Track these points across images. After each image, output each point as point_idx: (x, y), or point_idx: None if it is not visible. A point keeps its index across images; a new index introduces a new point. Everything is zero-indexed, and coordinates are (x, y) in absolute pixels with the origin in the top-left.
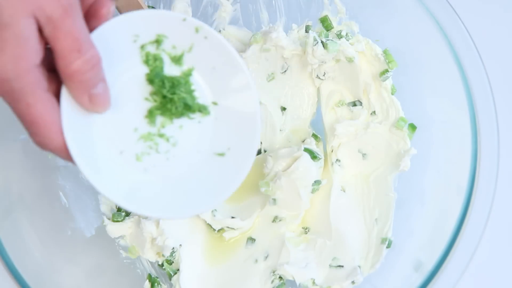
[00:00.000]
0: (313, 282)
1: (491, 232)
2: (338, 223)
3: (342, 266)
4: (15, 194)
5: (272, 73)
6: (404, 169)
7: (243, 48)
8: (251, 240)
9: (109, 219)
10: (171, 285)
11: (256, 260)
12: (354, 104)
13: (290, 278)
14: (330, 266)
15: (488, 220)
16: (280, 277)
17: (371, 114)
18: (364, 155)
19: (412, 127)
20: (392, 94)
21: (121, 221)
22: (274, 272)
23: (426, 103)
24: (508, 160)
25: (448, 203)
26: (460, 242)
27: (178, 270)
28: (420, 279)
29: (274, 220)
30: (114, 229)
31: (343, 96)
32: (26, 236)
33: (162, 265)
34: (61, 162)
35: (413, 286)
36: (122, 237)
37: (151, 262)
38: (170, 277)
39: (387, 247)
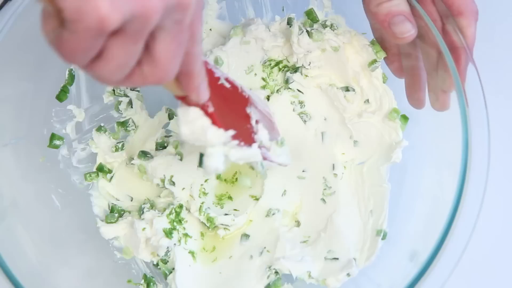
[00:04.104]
0: (309, 275)
1: (484, 221)
2: (333, 215)
3: (337, 259)
4: (8, 198)
5: (252, 65)
6: (396, 161)
7: (223, 41)
8: (246, 236)
9: (102, 220)
10: (166, 284)
11: (251, 256)
12: (347, 89)
13: (287, 272)
14: (326, 258)
15: (481, 209)
16: (276, 272)
17: (365, 102)
18: (355, 142)
19: (404, 118)
20: (383, 82)
21: (115, 222)
22: (270, 267)
23: None
24: (499, 150)
25: (442, 193)
26: (455, 231)
27: (173, 269)
28: (415, 268)
29: (267, 215)
30: (108, 231)
31: (332, 80)
32: (21, 240)
33: (157, 264)
34: (53, 165)
35: (408, 276)
36: (116, 238)
37: (146, 262)
38: (166, 276)
39: (382, 239)
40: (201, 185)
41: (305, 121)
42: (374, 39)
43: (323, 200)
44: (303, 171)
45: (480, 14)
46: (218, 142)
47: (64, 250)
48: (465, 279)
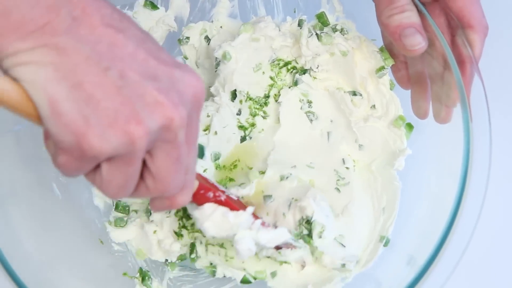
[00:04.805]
0: (321, 232)
1: (482, 229)
2: (348, 205)
3: (344, 247)
4: (7, 186)
5: (260, 63)
6: (398, 169)
7: (232, 38)
8: (268, 197)
9: (110, 224)
10: (162, 278)
11: (284, 214)
12: (354, 94)
13: (309, 214)
14: (335, 239)
15: (479, 217)
16: (308, 221)
17: (371, 107)
18: (360, 146)
19: (410, 126)
20: (391, 89)
21: (124, 226)
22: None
23: None
24: (500, 160)
25: (441, 200)
26: (453, 237)
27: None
28: (412, 273)
29: (281, 179)
30: (118, 235)
31: (340, 84)
32: (18, 228)
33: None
34: None
35: (405, 280)
36: (127, 241)
37: None
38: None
39: (384, 246)
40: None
41: (311, 120)
42: (383, 46)
43: (338, 189)
44: (310, 162)
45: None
46: (244, 224)
47: (61, 240)
48: (462, 284)
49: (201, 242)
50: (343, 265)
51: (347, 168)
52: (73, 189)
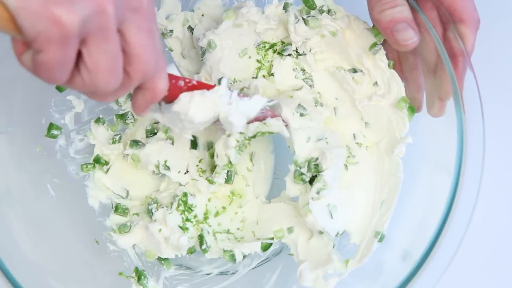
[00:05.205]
0: (323, 188)
1: (477, 223)
2: (354, 183)
3: (332, 218)
4: (1, 187)
5: (246, 48)
6: (399, 155)
7: (215, 25)
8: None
9: (115, 232)
10: (158, 277)
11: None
12: (355, 71)
13: (323, 166)
14: (328, 205)
15: (474, 211)
16: (316, 166)
17: (374, 85)
18: (366, 123)
19: (412, 109)
20: (390, 67)
21: (129, 231)
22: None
23: None
24: (493, 153)
25: (436, 194)
26: (447, 231)
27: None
28: (408, 268)
29: None
30: (125, 241)
31: (338, 62)
32: (13, 229)
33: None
34: (50, 155)
35: (400, 275)
36: (135, 245)
37: (138, 254)
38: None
39: (379, 241)
40: (197, 165)
41: (310, 86)
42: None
43: (346, 166)
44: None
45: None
46: (224, 99)
47: (56, 240)
48: (457, 279)
49: (208, 232)
50: (321, 232)
51: (358, 144)
52: (67, 190)
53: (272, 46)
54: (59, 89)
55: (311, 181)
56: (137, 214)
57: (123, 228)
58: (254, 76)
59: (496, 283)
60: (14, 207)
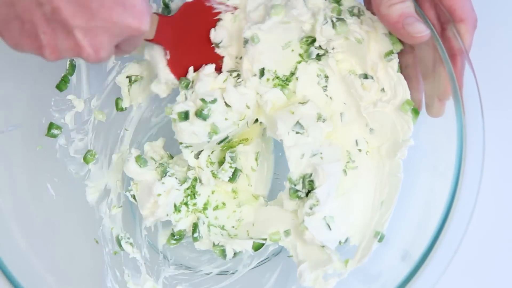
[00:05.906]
0: (316, 204)
1: (476, 223)
2: (351, 190)
3: (330, 230)
4: (2, 186)
5: (289, 41)
6: (401, 157)
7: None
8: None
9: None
10: (157, 277)
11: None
12: (366, 77)
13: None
14: (324, 218)
15: (473, 212)
16: (311, 183)
17: (381, 91)
18: (371, 130)
19: (416, 111)
20: (398, 71)
21: (142, 167)
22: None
23: None
24: (493, 154)
25: (435, 193)
26: (447, 232)
27: None
28: (407, 268)
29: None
30: (132, 170)
31: (353, 66)
32: (13, 229)
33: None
34: (50, 154)
35: (400, 275)
36: (132, 180)
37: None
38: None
39: (378, 241)
40: (209, 156)
41: (327, 95)
42: None
43: (345, 171)
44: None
45: (478, 20)
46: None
47: (56, 240)
48: (456, 279)
49: (203, 223)
50: (322, 246)
51: (359, 150)
52: (67, 189)
53: (314, 40)
54: (59, 88)
55: (308, 193)
56: (155, 160)
57: (140, 160)
58: (292, 70)
59: (496, 283)
60: (14, 206)
